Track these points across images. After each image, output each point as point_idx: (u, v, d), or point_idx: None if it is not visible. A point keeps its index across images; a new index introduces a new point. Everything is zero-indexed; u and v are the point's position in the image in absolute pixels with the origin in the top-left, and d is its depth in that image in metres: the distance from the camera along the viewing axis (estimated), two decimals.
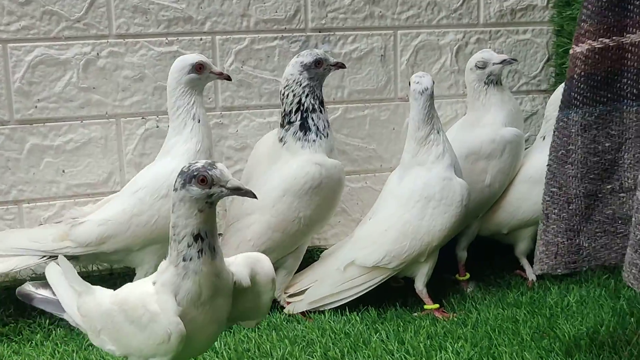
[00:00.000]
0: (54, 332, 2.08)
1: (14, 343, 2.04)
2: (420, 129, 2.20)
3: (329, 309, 2.20)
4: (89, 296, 1.54)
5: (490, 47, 2.57)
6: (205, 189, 1.37)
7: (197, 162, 1.41)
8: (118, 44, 2.26)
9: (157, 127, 2.31)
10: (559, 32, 2.60)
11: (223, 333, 1.96)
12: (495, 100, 2.38)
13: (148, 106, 2.30)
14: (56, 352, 1.96)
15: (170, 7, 2.28)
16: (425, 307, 2.21)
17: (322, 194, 2.15)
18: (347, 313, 2.17)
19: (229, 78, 2.15)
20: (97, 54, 2.24)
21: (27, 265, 2.04)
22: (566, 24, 2.53)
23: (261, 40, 2.37)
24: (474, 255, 2.44)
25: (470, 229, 2.41)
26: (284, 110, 2.16)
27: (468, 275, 2.40)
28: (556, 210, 1.78)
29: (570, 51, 1.72)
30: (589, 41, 1.70)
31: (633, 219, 1.60)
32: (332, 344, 1.96)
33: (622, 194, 1.76)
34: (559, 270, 1.81)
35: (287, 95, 2.15)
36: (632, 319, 2.05)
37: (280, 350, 1.91)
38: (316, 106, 2.15)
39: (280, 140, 2.18)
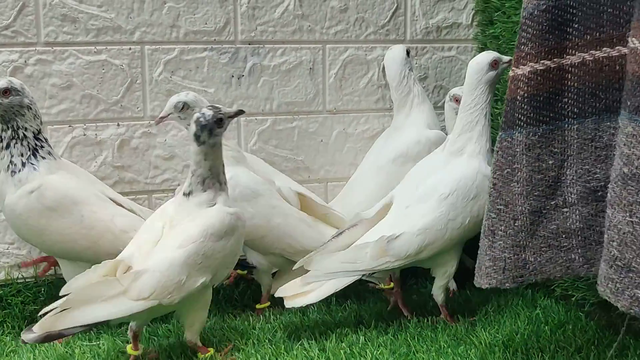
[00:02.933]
0: None
1: None
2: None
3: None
4: None
5: (416, 64, 2.64)
6: (222, 128, 1.85)
7: (204, 112, 1.85)
8: (46, 52, 2.26)
9: (85, 135, 2.32)
10: (482, 50, 2.68)
11: None
12: (417, 102, 2.48)
13: (75, 114, 2.31)
14: None
15: (99, 16, 2.29)
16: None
17: None
18: (272, 320, 2.20)
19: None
20: (25, 61, 2.24)
21: (345, 285, 2.10)
22: (489, 42, 2.61)
23: (190, 51, 2.40)
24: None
25: None
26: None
27: (392, 285, 2.44)
28: (503, 227, 1.83)
29: (510, 73, 1.78)
30: (530, 63, 1.76)
31: (606, 235, 1.66)
32: (255, 350, 1.99)
33: (565, 209, 1.82)
34: (507, 285, 1.87)
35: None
36: (546, 327, 2.12)
37: None
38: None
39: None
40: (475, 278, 1.91)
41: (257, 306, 2.29)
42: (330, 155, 2.60)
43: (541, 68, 1.76)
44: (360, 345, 2.02)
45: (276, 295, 2.13)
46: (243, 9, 2.43)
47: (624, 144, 1.58)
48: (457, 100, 2.42)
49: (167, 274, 1.78)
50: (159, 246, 1.84)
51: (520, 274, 1.85)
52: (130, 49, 2.34)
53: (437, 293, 2.22)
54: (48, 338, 1.73)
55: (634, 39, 1.57)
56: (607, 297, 1.65)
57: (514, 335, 2.07)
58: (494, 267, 1.86)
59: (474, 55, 2.67)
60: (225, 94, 2.45)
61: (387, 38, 2.61)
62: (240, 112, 1.93)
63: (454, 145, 2.16)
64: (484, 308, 2.28)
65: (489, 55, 2.17)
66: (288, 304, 2.08)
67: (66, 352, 1.99)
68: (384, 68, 2.52)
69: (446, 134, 2.45)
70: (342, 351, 1.97)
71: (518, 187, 1.81)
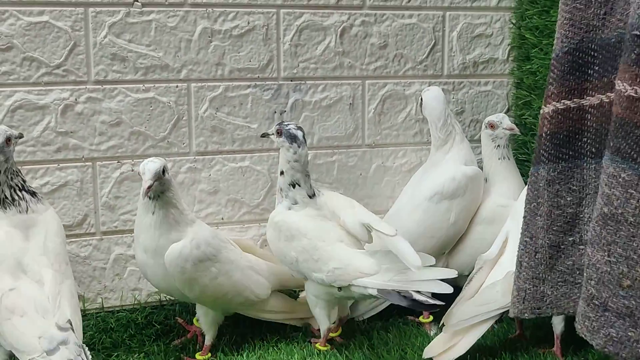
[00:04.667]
0: None
1: None
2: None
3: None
4: None
5: (453, 98, 2.69)
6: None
7: (284, 124, 2.18)
8: (96, 90, 2.32)
9: (132, 170, 2.37)
10: (518, 85, 2.73)
11: None
12: (458, 141, 2.50)
13: (124, 150, 2.36)
14: None
15: (147, 55, 2.35)
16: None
17: None
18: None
19: None
20: (76, 99, 2.30)
21: (487, 328, 2.14)
22: (525, 77, 2.65)
23: (235, 87, 2.46)
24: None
25: None
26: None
27: (431, 318, 2.47)
28: (526, 259, 1.89)
29: (541, 111, 1.84)
30: (553, 102, 1.81)
31: (585, 274, 1.70)
32: None
33: (581, 246, 1.86)
34: (526, 315, 1.92)
35: None
36: None
37: None
38: (23, 179, 2.02)
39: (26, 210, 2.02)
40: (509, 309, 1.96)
41: (197, 356, 2.23)
42: (369, 188, 2.64)
43: (562, 107, 1.81)
44: None
45: (425, 356, 2.14)
46: (286, 47, 2.48)
47: (605, 184, 1.63)
48: (492, 126, 2.46)
49: None
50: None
51: (538, 306, 1.90)
52: (177, 86, 2.40)
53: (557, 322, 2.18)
54: None
55: (619, 81, 1.61)
56: (583, 335, 1.70)
57: None
58: (517, 297, 1.91)
59: (510, 90, 2.73)
60: (268, 129, 2.49)
61: (425, 73, 2.66)
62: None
63: None
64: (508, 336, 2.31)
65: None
66: None
67: None
68: (421, 103, 2.56)
69: (482, 164, 2.49)
70: None
71: (540, 221, 1.86)
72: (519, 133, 2.48)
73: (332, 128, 2.59)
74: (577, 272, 1.87)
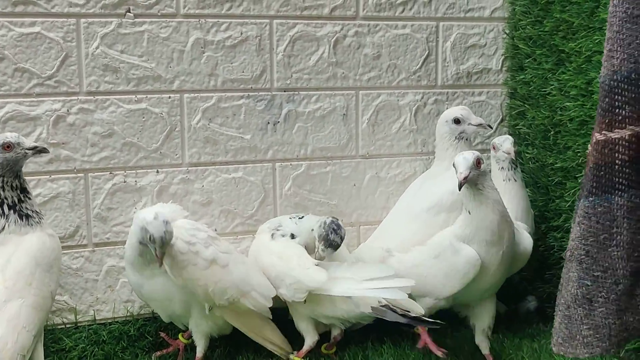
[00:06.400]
0: None
1: None
2: None
3: None
4: None
5: (447, 108, 2.67)
6: None
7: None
8: (88, 101, 2.31)
9: (125, 182, 2.36)
10: (512, 95, 2.72)
11: None
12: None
13: (116, 161, 2.35)
14: None
15: (140, 66, 2.35)
16: None
17: (58, 264, 2.05)
18: None
19: None
20: (67, 110, 2.29)
21: None
22: (519, 87, 2.65)
23: (228, 98, 2.45)
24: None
25: None
26: None
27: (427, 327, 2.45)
28: (603, 293, 1.80)
29: (600, 137, 1.74)
30: (630, 127, 1.74)
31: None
32: None
33: None
34: (612, 351, 1.84)
35: None
36: None
37: None
38: (21, 197, 1.96)
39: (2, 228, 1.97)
40: (564, 348, 1.88)
41: None
42: (363, 199, 2.63)
43: None
44: None
45: None
46: (279, 57, 2.48)
47: None
48: (494, 147, 2.45)
49: None
50: None
51: (625, 337, 1.83)
52: (169, 97, 2.39)
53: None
54: None
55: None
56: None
57: None
58: (597, 335, 1.82)
59: (504, 100, 2.72)
60: (261, 140, 2.49)
61: (419, 84, 2.65)
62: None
63: None
64: (519, 353, 2.30)
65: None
66: None
67: None
68: None
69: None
70: None
71: (618, 251, 1.78)
72: (514, 158, 2.43)
73: (326, 139, 2.58)
74: None
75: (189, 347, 2.30)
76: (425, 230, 2.37)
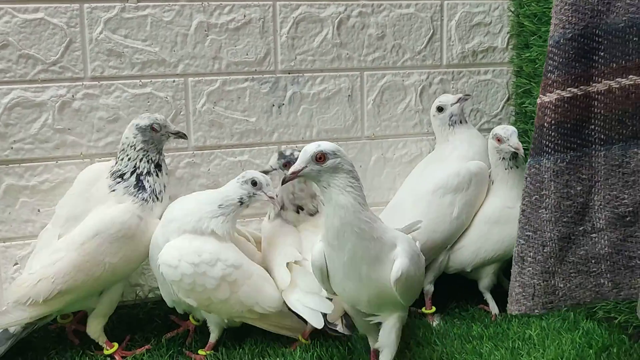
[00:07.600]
0: None
1: None
2: None
3: None
4: None
5: (453, 87, 2.67)
6: None
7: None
8: (93, 86, 2.32)
9: None
10: (518, 73, 2.71)
11: None
12: (460, 137, 2.48)
13: None
14: None
15: (144, 50, 2.35)
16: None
17: (132, 246, 2.13)
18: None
19: None
20: (73, 96, 2.30)
21: None
22: (525, 65, 2.63)
23: (232, 81, 2.45)
24: (439, 289, 2.51)
25: (437, 262, 2.48)
26: (119, 169, 2.18)
27: (434, 309, 2.46)
28: (532, 253, 1.85)
29: (538, 100, 1.81)
30: (557, 91, 1.79)
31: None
32: None
33: (593, 235, 1.84)
34: (536, 311, 1.88)
35: (122, 158, 2.18)
36: (590, 350, 2.13)
37: None
38: (151, 170, 2.18)
39: (110, 187, 2.17)
40: (507, 305, 1.93)
41: (200, 352, 2.22)
42: (369, 180, 2.63)
43: (568, 95, 1.79)
44: None
45: None
46: (283, 39, 2.47)
47: None
48: (498, 139, 2.42)
49: None
50: None
51: (550, 300, 1.87)
52: (174, 81, 2.39)
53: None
54: None
55: None
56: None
57: (560, 359, 2.09)
58: (523, 294, 1.88)
59: (510, 78, 2.71)
60: (266, 122, 2.49)
61: (424, 63, 2.64)
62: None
63: None
64: (527, 331, 2.30)
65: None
66: None
67: None
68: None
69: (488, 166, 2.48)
70: None
71: (546, 214, 1.83)
72: (522, 155, 2.40)
73: (331, 120, 2.57)
74: (592, 261, 1.85)
75: (199, 329, 2.31)
76: (432, 212, 2.37)
